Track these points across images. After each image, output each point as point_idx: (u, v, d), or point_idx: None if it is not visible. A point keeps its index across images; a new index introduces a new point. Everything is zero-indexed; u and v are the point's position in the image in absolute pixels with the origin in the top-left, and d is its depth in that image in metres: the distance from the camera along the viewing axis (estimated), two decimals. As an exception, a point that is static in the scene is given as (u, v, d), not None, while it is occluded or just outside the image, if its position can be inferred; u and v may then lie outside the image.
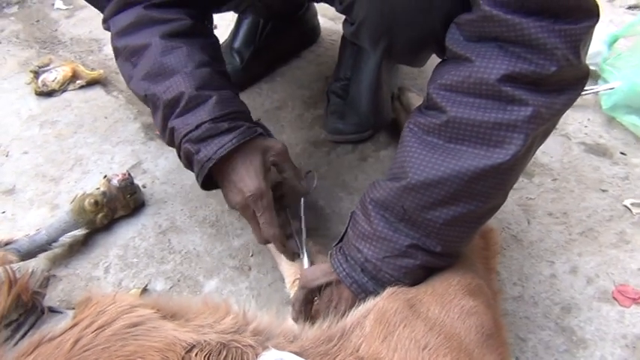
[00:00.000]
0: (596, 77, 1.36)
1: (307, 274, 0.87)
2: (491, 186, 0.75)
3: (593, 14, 0.72)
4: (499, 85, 0.71)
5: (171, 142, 0.97)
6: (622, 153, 1.20)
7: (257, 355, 0.68)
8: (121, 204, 1.18)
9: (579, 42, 0.71)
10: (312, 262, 0.99)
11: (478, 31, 0.73)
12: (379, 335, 0.71)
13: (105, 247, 1.15)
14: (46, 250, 1.09)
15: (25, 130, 1.48)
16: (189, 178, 1.28)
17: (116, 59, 1.02)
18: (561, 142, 1.23)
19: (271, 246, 1.04)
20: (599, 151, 1.21)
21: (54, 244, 1.10)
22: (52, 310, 0.82)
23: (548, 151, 1.21)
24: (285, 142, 1.29)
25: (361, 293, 0.80)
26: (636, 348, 0.89)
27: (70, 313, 0.80)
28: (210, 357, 0.67)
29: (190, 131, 0.91)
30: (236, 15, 1.53)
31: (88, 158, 1.36)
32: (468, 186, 0.74)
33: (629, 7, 1.62)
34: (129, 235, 1.17)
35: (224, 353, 0.68)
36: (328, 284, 0.84)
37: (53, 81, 1.59)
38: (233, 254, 1.11)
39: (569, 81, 0.75)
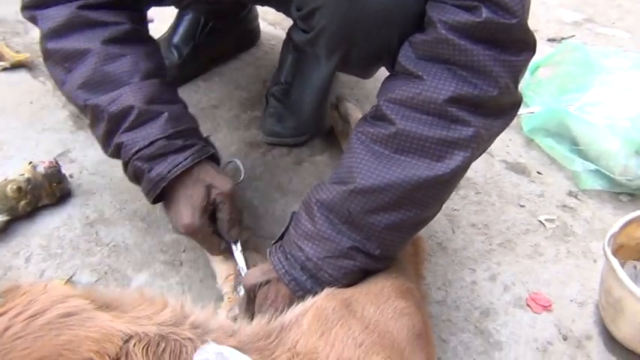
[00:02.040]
0: (518, 101, 1.46)
1: (249, 272, 0.88)
2: (431, 196, 0.81)
3: (531, 48, 0.81)
4: (445, 106, 0.77)
5: (116, 156, 0.94)
6: (538, 172, 1.29)
7: (196, 348, 0.67)
8: (46, 192, 1.13)
9: (519, 72, 0.80)
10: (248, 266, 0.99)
11: (431, 52, 0.78)
12: (317, 332, 0.73)
13: (26, 235, 1.09)
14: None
15: (-60, 110, 1.38)
16: (120, 169, 1.24)
17: (45, 61, 0.96)
18: (485, 159, 1.31)
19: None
20: (518, 169, 1.30)
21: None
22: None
23: (473, 167, 1.26)
24: (220, 141, 1.32)
25: (299, 291, 0.81)
26: (546, 351, 0.97)
27: (-3, 301, 0.76)
28: (149, 348, 0.66)
29: (142, 148, 0.89)
30: (175, 10, 1.52)
31: (10, 143, 1.29)
32: (410, 194, 0.79)
33: (549, 40, 1.75)
34: (53, 224, 1.12)
35: (162, 345, 0.67)
36: (267, 282, 0.85)
37: None
38: (164, 249, 1.09)
39: (506, 106, 0.83)
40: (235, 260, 0.99)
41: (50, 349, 0.66)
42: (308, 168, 1.28)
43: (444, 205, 1.14)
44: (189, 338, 0.69)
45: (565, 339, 0.98)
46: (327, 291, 0.79)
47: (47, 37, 0.93)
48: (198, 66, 1.52)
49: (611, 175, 1.21)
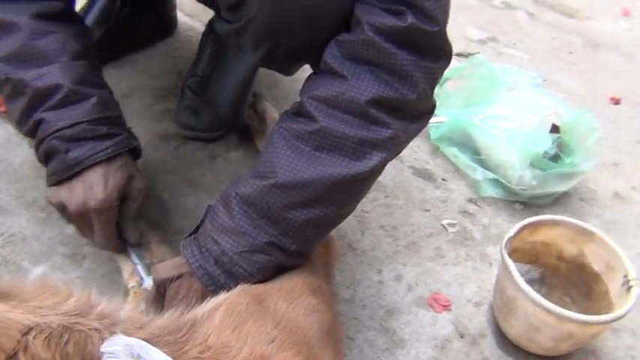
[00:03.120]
0: (427, 110, 1.52)
1: (158, 267, 0.86)
2: (349, 194, 0.84)
3: (448, 57, 0.86)
4: (367, 107, 0.79)
5: (31, 134, 0.89)
6: (443, 179, 1.36)
7: (103, 339, 0.65)
8: None
9: (436, 79, 0.85)
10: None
11: (356, 52, 0.81)
12: (229, 327, 0.73)
13: None
14: None
15: None
16: (19, 155, 1.17)
17: None
18: (394, 165, 1.36)
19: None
20: (425, 175, 1.36)
21: None
22: None
23: (384, 171, 1.32)
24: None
25: (212, 286, 0.81)
26: (444, 348, 1.02)
27: None
28: (51, 340, 0.62)
29: (63, 128, 0.86)
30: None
31: None
32: (329, 191, 0.81)
33: (457, 54, 1.84)
34: (-60, 211, 1.04)
35: (66, 336, 0.63)
36: (179, 277, 0.83)
37: None
38: (65, 241, 1.04)
39: (422, 111, 0.87)
40: (132, 260, 0.96)
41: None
42: (222, 164, 1.27)
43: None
44: (95, 329, 0.66)
45: (462, 337, 1.04)
46: (240, 287, 0.79)
47: None
48: (110, 51, 1.45)
49: (508, 184, 1.30)
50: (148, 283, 0.93)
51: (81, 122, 0.87)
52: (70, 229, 1.06)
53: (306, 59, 0.95)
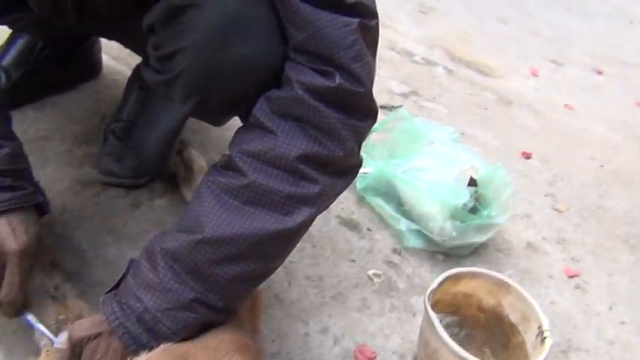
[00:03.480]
0: (353, 161, 1.56)
1: (75, 325, 0.81)
2: (277, 248, 0.84)
3: (374, 115, 0.90)
4: (296, 162, 0.81)
5: None
6: (368, 229, 1.39)
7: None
8: None
9: (363, 137, 0.88)
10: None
11: (285, 109, 0.82)
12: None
13: None
14: None
15: None
16: None
17: None
18: (322, 215, 1.36)
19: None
20: (351, 224, 1.38)
21: None
22: None
23: (310, 220, 1.34)
24: (49, 177, 1.23)
25: (133, 345, 0.77)
26: (369, 402, 1.02)
27: None
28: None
29: None
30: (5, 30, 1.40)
31: None
32: (258, 246, 0.81)
33: (381, 107, 1.91)
34: None
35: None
36: (97, 335, 0.79)
37: None
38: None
39: (348, 167, 0.90)
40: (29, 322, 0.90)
41: None
42: (145, 212, 1.24)
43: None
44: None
45: (386, 389, 1.05)
46: (162, 346, 0.76)
47: None
48: (28, 93, 1.40)
49: (430, 235, 1.34)
50: (60, 341, 0.88)
51: None
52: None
53: (237, 111, 0.95)
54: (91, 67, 1.57)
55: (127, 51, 1.70)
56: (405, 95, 2.04)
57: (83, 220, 1.17)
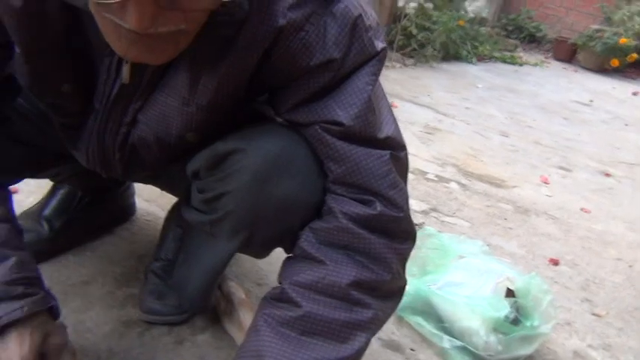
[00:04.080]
0: (386, 281, 1.57)
1: None
2: None
3: (413, 237, 0.95)
4: (348, 289, 0.84)
5: None
6: (411, 349, 1.37)
7: None
8: None
9: (405, 259, 0.92)
10: None
11: (331, 238, 0.87)
12: None
13: None
14: None
15: None
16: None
17: None
18: (362, 337, 1.36)
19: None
20: (393, 346, 1.37)
21: None
22: None
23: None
24: (93, 320, 1.24)
25: None
26: None
27: None
28: None
29: None
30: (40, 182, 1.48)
31: None
32: None
33: (404, 225, 1.96)
34: None
35: None
36: None
37: None
38: None
39: (395, 290, 0.93)
40: None
41: None
42: (190, 348, 1.23)
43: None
44: None
45: None
46: None
47: None
48: (70, 240, 1.45)
49: (475, 351, 1.32)
50: None
51: None
52: None
53: (282, 244, 0.99)
54: (126, 210, 1.63)
55: (158, 193, 1.78)
56: (425, 212, 2.09)
57: (129, 361, 1.16)
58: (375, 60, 0.86)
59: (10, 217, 0.96)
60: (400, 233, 0.90)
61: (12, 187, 1.67)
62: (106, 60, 0.87)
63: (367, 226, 0.86)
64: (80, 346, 1.17)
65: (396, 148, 0.89)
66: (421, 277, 1.52)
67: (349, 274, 0.84)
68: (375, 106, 0.86)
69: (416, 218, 2.03)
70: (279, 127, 0.92)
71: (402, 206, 0.89)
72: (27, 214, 1.44)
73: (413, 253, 1.61)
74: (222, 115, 0.90)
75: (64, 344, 0.92)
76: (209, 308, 1.32)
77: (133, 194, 1.65)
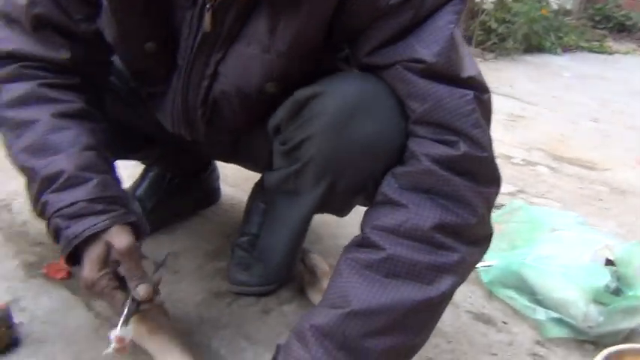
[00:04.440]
0: (473, 256, 1.52)
1: None
2: (422, 320, 0.83)
3: (498, 182, 0.90)
4: (432, 232, 0.82)
5: (41, 215, 0.95)
6: (504, 322, 1.31)
7: None
8: (-7, 338, 1.02)
9: (491, 204, 0.89)
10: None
11: (414, 182, 0.85)
12: None
13: (-36, 387, 0.97)
14: None
15: None
16: (75, 318, 1.16)
17: (0, 126, 1.01)
18: (451, 310, 1.32)
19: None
20: (484, 319, 1.32)
21: None
22: None
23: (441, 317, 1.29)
24: (184, 291, 1.28)
25: None
26: None
27: None
28: None
29: (63, 207, 0.90)
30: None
31: (-48, 290, 1.20)
32: (405, 317, 0.80)
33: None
34: (-4, 376, 1.00)
35: None
36: None
37: None
38: (124, 402, 0.99)
39: (480, 236, 0.90)
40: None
41: None
42: (276, 317, 1.24)
43: (418, 354, 1.13)
44: None
45: None
46: None
47: (5, 106, 0.98)
48: (159, 220, 1.51)
49: (574, 323, 1.24)
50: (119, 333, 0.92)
51: (79, 201, 0.90)
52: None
53: (364, 193, 0.97)
54: (212, 194, 1.68)
55: (243, 178, 1.83)
56: (512, 194, 2.01)
57: (219, 328, 1.19)
58: (457, 0, 0.84)
59: (97, 145, 0.99)
60: (485, 175, 0.86)
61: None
62: (187, 15, 0.90)
63: (451, 168, 0.83)
64: (172, 314, 1.20)
65: (479, 89, 0.86)
66: (509, 252, 1.46)
67: (432, 217, 0.82)
68: (457, 46, 0.84)
69: (502, 199, 1.96)
70: (359, 73, 0.91)
71: (487, 147, 0.85)
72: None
73: (501, 227, 1.57)
74: (302, 64, 0.91)
75: (125, 246, 0.91)
76: (294, 279, 1.33)
77: (217, 178, 1.70)
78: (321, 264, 1.34)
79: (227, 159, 1.45)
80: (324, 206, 1.05)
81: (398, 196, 0.85)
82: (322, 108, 0.90)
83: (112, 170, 1.02)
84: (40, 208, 0.94)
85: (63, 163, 0.93)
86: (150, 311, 1.00)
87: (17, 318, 1.11)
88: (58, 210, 0.91)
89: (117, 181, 1.01)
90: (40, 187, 0.93)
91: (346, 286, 0.82)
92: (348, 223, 0.99)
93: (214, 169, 1.68)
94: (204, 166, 1.63)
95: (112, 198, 0.95)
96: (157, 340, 1.03)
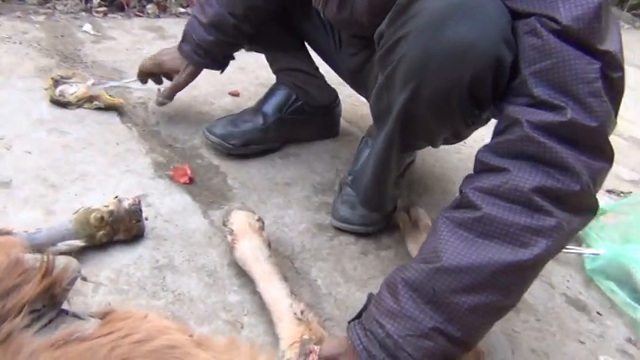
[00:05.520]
0: (580, 240, 1.48)
1: (324, 344, 0.88)
2: (513, 282, 0.83)
3: (609, 158, 0.85)
4: (531, 194, 0.80)
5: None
6: (598, 313, 1.29)
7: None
8: (124, 226, 1.15)
9: (597, 175, 0.83)
10: None
11: (515, 149, 0.83)
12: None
13: (98, 266, 1.10)
14: (40, 252, 1.04)
15: (32, 132, 1.45)
16: (194, 222, 1.27)
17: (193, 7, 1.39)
18: (546, 289, 1.32)
19: (273, 306, 1.04)
20: (579, 305, 1.30)
21: (51, 247, 1.06)
22: (73, 315, 0.78)
23: (534, 294, 1.29)
24: (290, 218, 1.35)
25: None
26: None
27: (93, 320, 0.76)
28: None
29: (200, 21, 1.44)
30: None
31: (93, 176, 1.34)
32: (494, 277, 0.81)
33: (607, 191, 1.81)
34: (124, 261, 1.13)
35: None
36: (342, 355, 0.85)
37: (72, 94, 1.58)
38: (227, 308, 1.09)
39: (583, 206, 0.85)
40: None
41: (155, 373, 0.66)
42: (373, 260, 1.30)
43: (505, 325, 1.14)
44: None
45: None
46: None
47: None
48: (277, 136, 1.58)
49: (675, 330, 1.21)
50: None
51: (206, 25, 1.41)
52: (233, 297, 1.11)
53: (450, 106, 0.94)
54: (333, 127, 1.73)
55: (359, 115, 1.86)
56: (635, 182, 1.90)
57: (318, 259, 1.26)
58: None
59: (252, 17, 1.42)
60: (592, 146, 0.81)
61: (234, 90, 1.87)
62: None
63: (554, 135, 0.79)
64: (277, 238, 1.29)
65: (612, 65, 0.80)
66: (620, 245, 1.41)
67: (533, 179, 0.80)
68: (603, 16, 0.79)
69: (623, 186, 1.86)
70: None
71: (600, 117, 0.80)
72: (250, 109, 1.60)
73: (619, 217, 1.51)
74: None
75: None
76: (396, 228, 1.36)
77: (340, 114, 1.73)
78: (425, 218, 1.37)
79: (353, 77, 1.47)
80: (408, 124, 1.03)
81: (498, 161, 0.84)
82: (423, 7, 0.88)
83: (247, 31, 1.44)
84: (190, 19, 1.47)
85: (222, 5, 1.39)
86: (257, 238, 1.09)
87: (143, 213, 1.23)
88: (196, 17, 1.44)
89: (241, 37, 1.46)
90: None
91: (439, 243, 0.84)
92: (460, 181, 1.00)
93: (339, 104, 1.71)
94: (330, 98, 1.67)
95: (225, 45, 1.47)
96: (260, 268, 1.11)
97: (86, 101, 1.59)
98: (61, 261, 0.81)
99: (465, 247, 0.82)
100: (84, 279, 1.04)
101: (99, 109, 1.60)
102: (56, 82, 1.60)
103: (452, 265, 0.81)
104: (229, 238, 1.16)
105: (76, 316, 0.76)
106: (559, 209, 0.81)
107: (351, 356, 0.85)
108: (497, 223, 0.81)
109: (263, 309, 1.07)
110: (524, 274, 0.84)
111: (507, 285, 0.82)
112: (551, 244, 0.81)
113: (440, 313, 0.81)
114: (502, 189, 0.82)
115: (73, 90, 1.59)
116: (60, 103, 1.57)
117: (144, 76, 1.58)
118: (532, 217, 0.81)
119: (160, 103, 1.57)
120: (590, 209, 0.86)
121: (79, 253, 1.10)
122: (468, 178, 0.91)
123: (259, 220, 1.21)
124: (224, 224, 1.19)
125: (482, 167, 0.88)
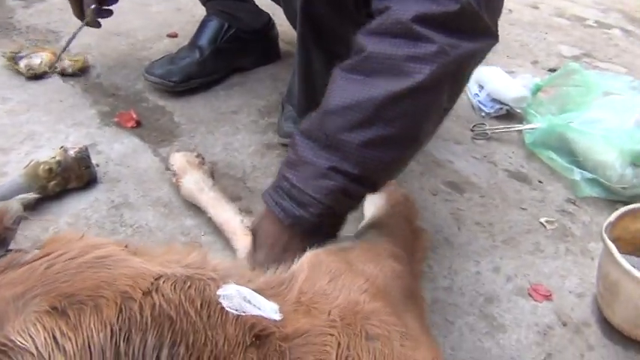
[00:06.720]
0: (521, 118, 1.54)
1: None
2: (401, 112, 0.84)
3: None
4: (411, 24, 0.82)
5: None
6: (539, 181, 1.36)
7: (218, 287, 0.73)
8: (75, 174, 1.19)
9: None
10: None
11: None
12: (325, 278, 0.79)
13: (56, 214, 1.16)
14: (-5, 208, 1.09)
15: (-26, 103, 1.47)
16: (144, 161, 1.32)
17: None
18: (488, 168, 1.38)
19: (226, 225, 1.11)
20: (520, 177, 1.37)
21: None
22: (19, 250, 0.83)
23: (477, 173, 1.36)
24: (239, 142, 1.40)
25: (288, 219, 0.88)
26: (546, 334, 1.01)
27: (35, 250, 0.82)
28: (176, 285, 0.72)
29: None
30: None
31: (40, 134, 1.37)
32: (380, 109, 0.83)
33: (549, 70, 1.85)
34: (81, 206, 1.18)
35: (189, 283, 0.73)
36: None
37: (40, 64, 1.58)
38: (185, 232, 1.15)
39: (470, 28, 0.86)
40: None
41: (89, 282, 0.71)
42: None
43: (450, 205, 1.21)
44: (212, 278, 0.75)
45: (564, 325, 1.04)
46: (330, 246, 0.85)
47: None
48: (217, 67, 1.61)
49: (608, 184, 1.28)
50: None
51: None
52: (189, 221, 1.17)
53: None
54: (271, 51, 1.74)
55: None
56: (576, 58, 1.95)
57: (269, 176, 1.31)
58: None
59: None
60: None
61: (171, 32, 1.87)
62: None
63: None
64: (228, 162, 1.34)
65: None
66: (558, 116, 1.47)
67: (412, 8, 0.82)
68: None
69: (564, 63, 1.90)
70: None
71: None
72: (186, 45, 1.62)
73: (553, 90, 1.56)
74: None
75: None
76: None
77: (277, 36, 1.75)
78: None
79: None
80: (315, 24, 1.08)
81: (379, 3, 0.85)
82: None
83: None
84: None
85: None
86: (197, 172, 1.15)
87: (94, 160, 1.28)
88: None
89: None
90: None
91: (330, 90, 0.87)
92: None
93: (273, 27, 1.72)
94: (263, 21, 1.68)
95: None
96: (206, 197, 1.17)
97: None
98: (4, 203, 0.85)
99: (353, 88, 0.84)
100: (25, 218, 1.09)
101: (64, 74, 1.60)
102: (14, 59, 1.59)
103: (337, 106, 0.84)
104: (173, 179, 1.22)
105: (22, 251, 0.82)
106: (440, 34, 0.82)
107: (268, 215, 0.92)
108: (380, 58, 0.83)
109: (219, 229, 1.14)
110: (410, 102, 0.84)
111: (397, 115, 0.84)
112: (435, 69, 0.82)
113: (334, 153, 0.85)
114: (384, 25, 0.84)
115: (38, 60, 1.59)
116: (37, 75, 1.56)
117: (79, 11, 1.49)
118: (413, 46, 0.82)
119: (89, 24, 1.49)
120: (484, 33, 0.87)
121: (36, 205, 1.15)
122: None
123: (198, 156, 1.27)
124: (167, 168, 1.25)
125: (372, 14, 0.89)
